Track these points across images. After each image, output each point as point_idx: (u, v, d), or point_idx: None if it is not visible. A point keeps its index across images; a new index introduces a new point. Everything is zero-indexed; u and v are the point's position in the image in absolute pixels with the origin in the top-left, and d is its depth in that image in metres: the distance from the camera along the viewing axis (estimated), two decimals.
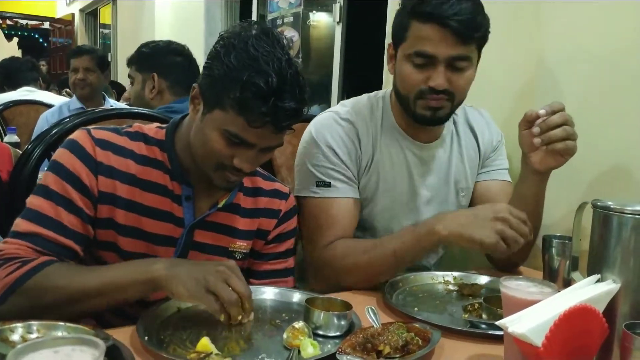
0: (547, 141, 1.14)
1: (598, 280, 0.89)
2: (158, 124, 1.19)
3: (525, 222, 1.11)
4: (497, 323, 0.83)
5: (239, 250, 1.20)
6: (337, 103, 1.50)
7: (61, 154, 1.08)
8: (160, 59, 2.19)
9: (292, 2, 3.23)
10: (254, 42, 1.00)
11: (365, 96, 1.45)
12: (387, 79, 2.22)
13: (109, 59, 7.30)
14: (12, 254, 0.99)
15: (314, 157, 1.34)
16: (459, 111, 1.45)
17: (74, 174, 1.06)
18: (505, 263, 1.38)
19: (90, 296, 0.97)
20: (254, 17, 3.66)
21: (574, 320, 0.80)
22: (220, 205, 1.15)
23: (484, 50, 1.31)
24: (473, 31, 1.21)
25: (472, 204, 1.48)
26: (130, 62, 2.51)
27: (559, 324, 0.78)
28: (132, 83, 2.52)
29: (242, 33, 1.02)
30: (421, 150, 1.40)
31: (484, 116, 1.51)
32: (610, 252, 0.88)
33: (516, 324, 0.79)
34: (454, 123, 1.45)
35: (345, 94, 2.84)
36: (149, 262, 1.01)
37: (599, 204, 0.91)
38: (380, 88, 2.18)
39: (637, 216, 0.86)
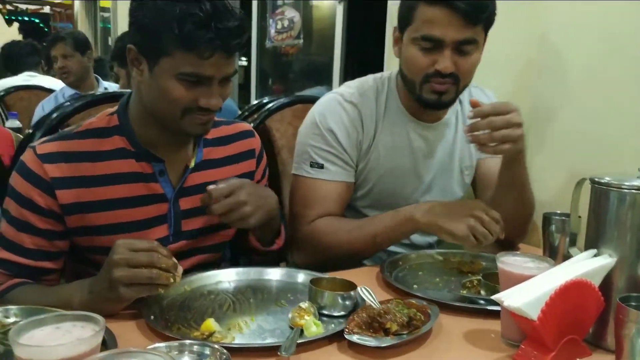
0: (481, 143, 1.16)
1: (595, 255, 0.89)
2: (109, 111, 1.15)
3: (497, 221, 1.17)
4: (493, 297, 0.85)
5: None
6: (339, 84, 1.50)
7: (14, 179, 1.07)
8: None
9: None
10: None
11: (370, 77, 1.45)
12: (389, 59, 2.21)
13: (110, 40, 7.27)
14: None
15: (313, 138, 1.36)
16: (464, 91, 1.46)
17: (27, 199, 1.05)
18: (504, 242, 1.39)
19: None
20: None
21: (569, 294, 0.81)
22: (191, 166, 1.15)
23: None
24: (480, 12, 1.20)
25: (474, 182, 1.50)
26: (112, 59, 2.48)
27: (555, 297, 0.80)
28: (117, 80, 2.51)
29: None
30: (426, 131, 1.41)
31: (489, 96, 1.51)
32: (607, 227, 0.89)
33: (512, 298, 0.81)
34: (459, 102, 1.46)
35: (347, 74, 2.83)
36: (72, 291, 1.00)
37: (597, 179, 0.91)
38: (381, 68, 2.18)
39: (634, 191, 0.87)
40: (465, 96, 1.46)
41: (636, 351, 0.75)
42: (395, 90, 1.40)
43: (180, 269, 0.96)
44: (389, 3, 2.12)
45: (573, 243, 1.00)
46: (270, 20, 3.42)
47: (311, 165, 1.35)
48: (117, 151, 1.10)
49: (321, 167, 1.34)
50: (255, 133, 1.31)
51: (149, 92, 1.06)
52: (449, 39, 1.21)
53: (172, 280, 0.93)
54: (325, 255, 1.29)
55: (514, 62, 1.66)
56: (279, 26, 3.31)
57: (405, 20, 1.28)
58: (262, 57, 3.78)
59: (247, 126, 1.31)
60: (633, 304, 0.78)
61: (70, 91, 3.00)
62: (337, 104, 1.37)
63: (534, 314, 0.79)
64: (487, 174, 1.46)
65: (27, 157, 1.07)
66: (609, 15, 1.39)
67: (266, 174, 1.34)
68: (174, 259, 0.95)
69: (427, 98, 1.29)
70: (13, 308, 0.85)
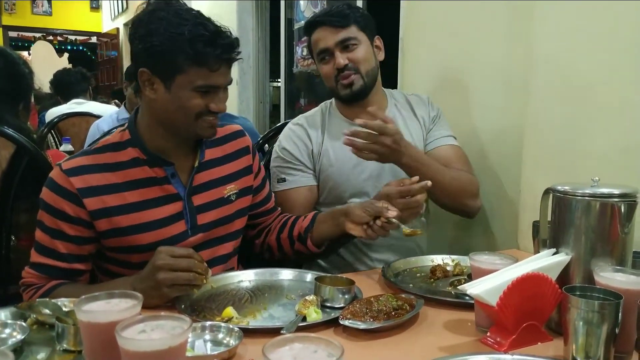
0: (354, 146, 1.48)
1: (554, 254, 1.03)
2: (121, 128, 1.33)
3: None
4: (459, 287, 0.99)
5: (232, 192, 1.39)
6: None
7: (45, 194, 1.22)
8: None
9: (316, 12, 3.42)
10: (173, 9, 1.19)
11: (323, 103, 1.83)
12: (402, 78, 2.38)
13: None
14: (29, 281, 1.25)
15: (275, 161, 1.74)
16: (400, 98, 1.79)
17: (59, 210, 1.21)
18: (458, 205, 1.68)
19: None
20: (282, 21, 3.88)
21: (526, 285, 0.95)
22: (196, 165, 1.33)
23: (481, 49, 1.56)
24: (342, 19, 1.63)
25: None
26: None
27: (512, 287, 0.94)
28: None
29: (156, 10, 1.19)
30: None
31: (422, 98, 1.82)
32: (564, 229, 1.03)
33: (475, 287, 0.96)
34: (395, 106, 1.79)
35: None
36: (115, 286, 1.07)
37: (556, 188, 1.05)
38: (395, 86, 2.35)
39: (587, 198, 1.00)
40: (400, 101, 1.78)
41: (579, 333, 0.88)
42: (335, 105, 1.79)
43: (210, 273, 1.16)
44: (401, 28, 2.32)
45: (544, 245, 1.14)
46: (297, 48, 3.66)
47: (278, 182, 1.70)
48: (132, 161, 1.27)
49: (284, 180, 1.70)
50: (245, 132, 1.51)
51: (165, 106, 1.22)
52: (331, 44, 1.64)
53: (205, 282, 1.14)
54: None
55: (505, 81, 1.80)
56: (305, 53, 3.54)
57: (309, 47, 1.72)
58: (292, 81, 4.01)
59: (238, 127, 1.50)
60: (577, 293, 0.92)
61: (125, 114, 3.27)
62: (287, 130, 1.77)
63: (493, 300, 0.94)
64: (440, 160, 1.66)
65: (54, 173, 1.23)
66: (594, 34, 1.47)
67: (262, 167, 1.54)
68: (205, 264, 1.14)
69: (344, 93, 1.67)
70: (67, 299, 1.06)
